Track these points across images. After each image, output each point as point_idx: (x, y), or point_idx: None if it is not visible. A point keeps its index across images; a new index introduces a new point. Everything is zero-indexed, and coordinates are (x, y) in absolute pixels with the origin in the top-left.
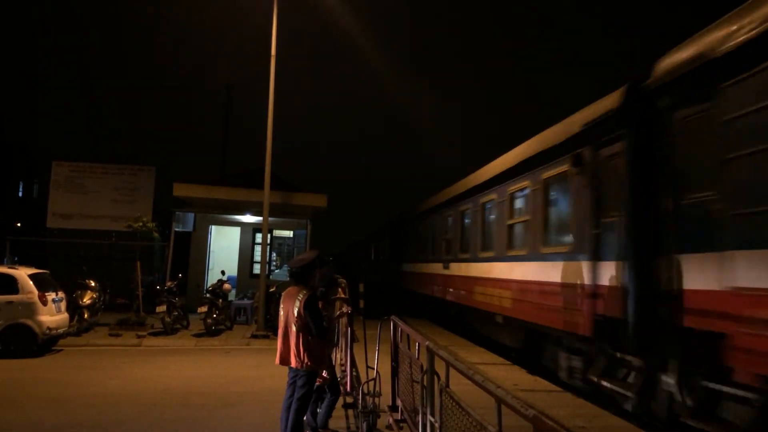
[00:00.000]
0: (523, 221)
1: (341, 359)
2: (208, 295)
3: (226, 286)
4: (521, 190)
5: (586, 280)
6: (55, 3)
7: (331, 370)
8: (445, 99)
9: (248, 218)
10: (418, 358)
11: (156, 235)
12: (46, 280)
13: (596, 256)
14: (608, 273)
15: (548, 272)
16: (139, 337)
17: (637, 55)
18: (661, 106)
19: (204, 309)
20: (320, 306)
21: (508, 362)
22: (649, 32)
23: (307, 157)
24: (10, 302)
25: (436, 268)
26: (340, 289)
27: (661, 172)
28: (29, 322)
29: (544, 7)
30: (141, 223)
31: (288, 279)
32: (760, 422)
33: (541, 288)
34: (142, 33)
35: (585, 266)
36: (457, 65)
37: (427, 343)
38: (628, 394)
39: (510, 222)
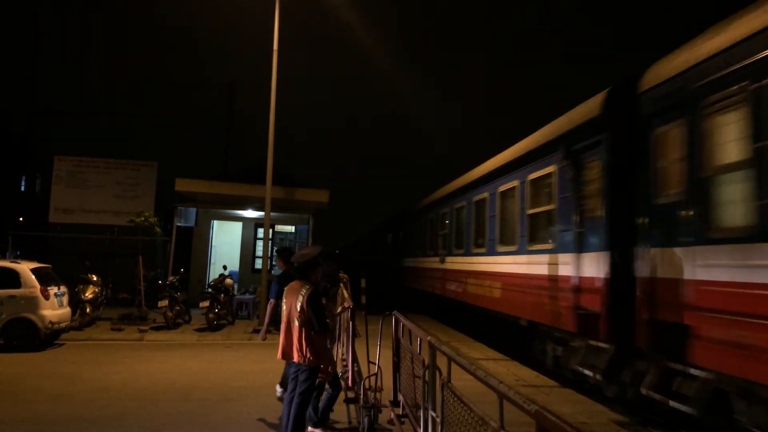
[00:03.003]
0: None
1: (343, 354)
2: (209, 290)
3: (228, 281)
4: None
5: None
6: None
7: (333, 365)
8: (446, 93)
9: (250, 213)
10: (419, 353)
11: (158, 230)
12: (48, 275)
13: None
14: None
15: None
16: (141, 331)
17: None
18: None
19: (206, 304)
20: (323, 302)
21: (510, 358)
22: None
23: (309, 152)
24: (13, 296)
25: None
26: (341, 285)
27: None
28: (31, 317)
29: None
30: (143, 218)
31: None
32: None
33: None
34: (145, 28)
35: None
36: (455, 60)
37: (429, 338)
38: None
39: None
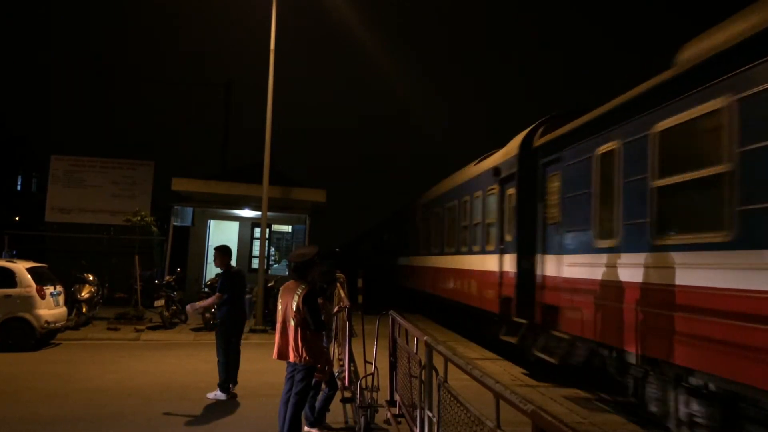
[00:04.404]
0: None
1: (339, 354)
2: (206, 290)
3: None
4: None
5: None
6: None
7: (329, 364)
8: (444, 90)
9: (247, 213)
10: (416, 353)
11: (155, 229)
12: (44, 274)
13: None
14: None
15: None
16: (137, 331)
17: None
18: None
19: None
20: (320, 302)
21: (506, 358)
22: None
23: (307, 152)
24: (9, 296)
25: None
26: (338, 285)
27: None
28: (27, 316)
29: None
30: (139, 218)
31: (287, 274)
32: None
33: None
34: (142, 26)
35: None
36: (455, 57)
37: (425, 338)
38: None
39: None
